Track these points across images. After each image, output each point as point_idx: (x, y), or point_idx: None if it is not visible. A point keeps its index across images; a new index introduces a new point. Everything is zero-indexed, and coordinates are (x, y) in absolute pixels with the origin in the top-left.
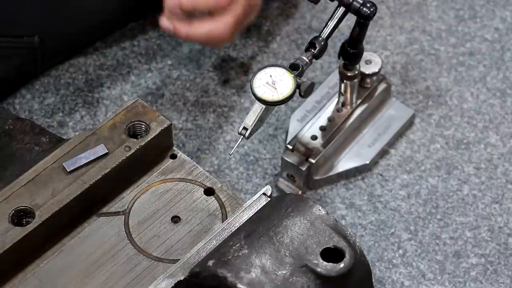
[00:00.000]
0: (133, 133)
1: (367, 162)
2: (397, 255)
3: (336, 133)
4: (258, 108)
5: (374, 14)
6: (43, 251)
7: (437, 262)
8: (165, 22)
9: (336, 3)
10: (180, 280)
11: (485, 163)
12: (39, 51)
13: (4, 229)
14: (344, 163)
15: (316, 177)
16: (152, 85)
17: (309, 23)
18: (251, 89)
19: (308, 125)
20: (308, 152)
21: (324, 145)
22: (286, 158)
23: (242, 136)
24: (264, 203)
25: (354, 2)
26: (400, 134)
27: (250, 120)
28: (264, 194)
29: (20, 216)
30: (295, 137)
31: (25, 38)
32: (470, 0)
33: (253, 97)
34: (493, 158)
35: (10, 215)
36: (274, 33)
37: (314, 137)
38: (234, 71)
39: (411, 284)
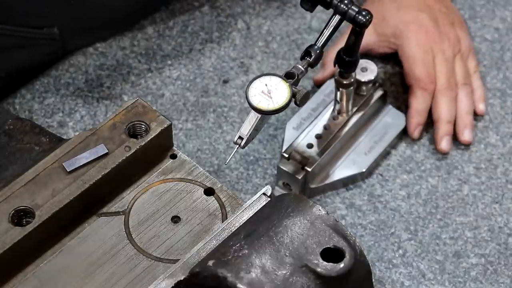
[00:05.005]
0: (133, 133)
1: (364, 170)
2: (397, 255)
3: (332, 141)
4: (253, 117)
5: (370, 22)
6: (43, 251)
7: (437, 262)
8: (445, 145)
9: (331, 11)
10: (180, 280)
11: (485, 163)
12: (59, 42)
13: (4, 229)
14: (341, 171)
15: (312, 186)
16: (152, 85)
17: (309, 23)
18: (247, 98)
19: (304, 133)
20: (304, 161)
21: (320, 153)
22: (282, 167)
23: (237, 146)
24: (264, 203)
25: (350, 10)
26: (396, 142)
27: (245, 129)
28: (264, 194)
29: (20, 216)
30: (291, 145)
31: (45, 30)
32: (470, 0)
33: None
34: (493, 158)
35: (10, 215)
36: (274, 33)
37: (310, 145)
38: (234, 71)
39: (411, 284)
